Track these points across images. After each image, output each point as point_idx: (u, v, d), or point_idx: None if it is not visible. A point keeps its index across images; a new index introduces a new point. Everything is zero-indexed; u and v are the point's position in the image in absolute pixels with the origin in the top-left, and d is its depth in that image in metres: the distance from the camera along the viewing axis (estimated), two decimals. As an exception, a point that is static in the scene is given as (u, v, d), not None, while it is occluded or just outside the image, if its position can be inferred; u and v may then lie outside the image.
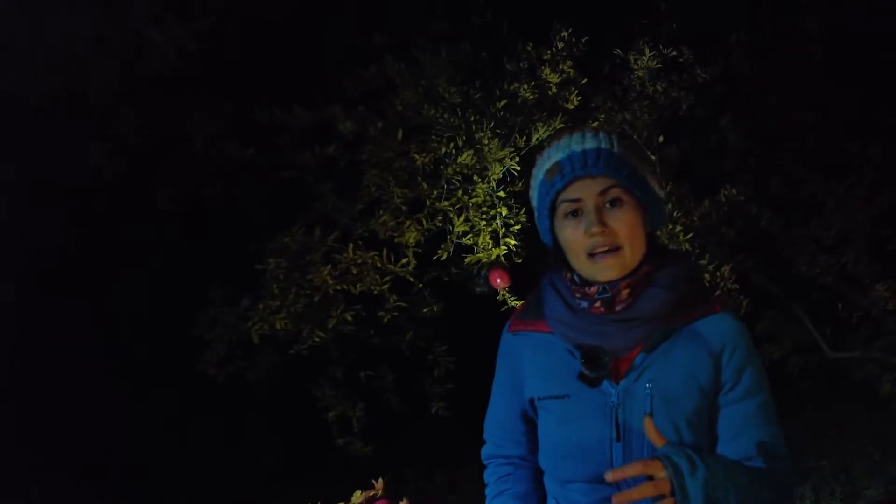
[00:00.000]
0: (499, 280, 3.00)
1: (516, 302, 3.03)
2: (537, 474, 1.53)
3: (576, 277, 1.38)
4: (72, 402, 3.96)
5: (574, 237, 1.33)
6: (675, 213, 3.27)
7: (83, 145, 2.99)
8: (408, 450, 4.43)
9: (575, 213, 1.33)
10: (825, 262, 3.87)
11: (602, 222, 1.30)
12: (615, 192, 1.31)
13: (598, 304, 1.33)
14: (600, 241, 1.31)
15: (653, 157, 1.43)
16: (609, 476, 1.20)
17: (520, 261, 3.25)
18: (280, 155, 2.95)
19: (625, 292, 1.33)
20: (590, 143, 1.33)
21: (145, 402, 4.23)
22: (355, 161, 3.01)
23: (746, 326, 1.40)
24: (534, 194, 1.42)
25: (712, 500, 1.20)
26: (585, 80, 3.41)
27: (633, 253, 1.33)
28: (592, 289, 1.34)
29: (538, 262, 3.57)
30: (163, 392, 4.19)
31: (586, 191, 1.31)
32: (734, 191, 3.28)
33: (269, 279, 2.88)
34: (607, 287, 1.33)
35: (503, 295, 3.08)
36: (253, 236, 3.15)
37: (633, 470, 1.20)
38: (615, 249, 1.31)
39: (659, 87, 3.62)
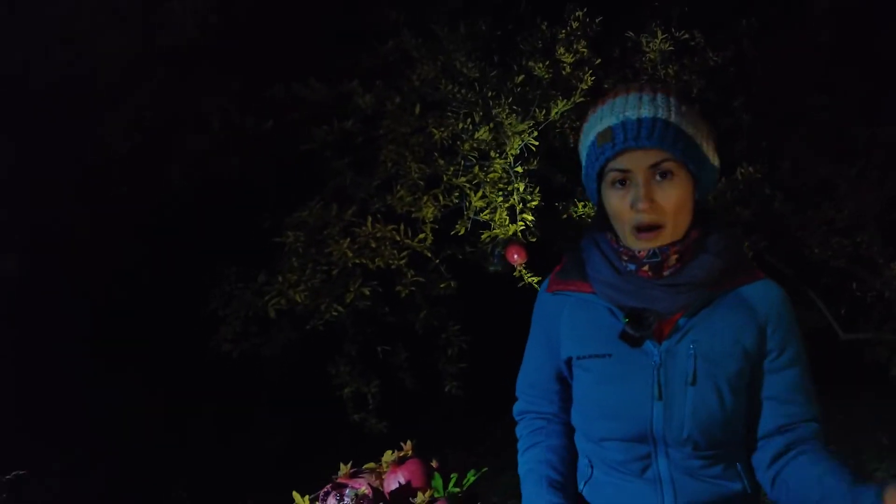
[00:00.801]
0: (516, 256, 2.99)
1: (533, 279, 3.02)
2: (569, 431, 1.52)
3: (623, 241, 1.36)
4: (78, 381, 3.95)
5: (620, 207, 1.30)
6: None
7: (97, 120, 2.98)
8: (420, 428, 4.43)
9: (623, 182, 1.30)
10: (838, 244, 3.87)
11: (650, 198, 1.27)
12: (667, 166, 1.27)
13: (646, 267, 1.32)
14: (646, 218, 1.28)
15: (709, 122, 1.38)
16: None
17: (534, 239, 3.26)
18: (296, 130, 2.94)
19: (674, 258, 1.31)
20: (646, 111, 1.27)
21: (157, 379, 4.23)
22: (372, 136, 3.00)
23: (788, 295, 1.40)
24: (582, 153, 1.39)
25: None
26: (599, 61, 3.41)
27: (675, 228, 1.31)
28: (642, 252, 1.32)
29: (554, 240, 3.58)
30: (175, 372, 4.18)
31: (637, 162, 1.27)
32: (751, 168, 3.27)
33: (287, 252, 2.87)
34: (657, 251, 1.31)
35: (520, 271, 3.07)
36: (267, 212, 3.14)
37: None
38: (660, 227, 1.29)
39: (670, 71, 3.62)
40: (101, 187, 3.25)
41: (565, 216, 3.34)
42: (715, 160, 1.36)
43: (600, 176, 1.34)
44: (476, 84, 2.98)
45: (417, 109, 2.91)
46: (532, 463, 1.48)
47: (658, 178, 1.28)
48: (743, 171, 3.33)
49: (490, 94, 2.98)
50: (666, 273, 1.32)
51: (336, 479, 1.57)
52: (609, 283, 1.36)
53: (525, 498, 1.46)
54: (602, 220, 1.40)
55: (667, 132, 1.26)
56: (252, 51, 3.02)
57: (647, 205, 1.27)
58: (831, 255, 3.90)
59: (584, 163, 1.39)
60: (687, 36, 3.58)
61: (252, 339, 3.27)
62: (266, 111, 2.98)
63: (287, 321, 3.18)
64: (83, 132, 3.05)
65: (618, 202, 1.31)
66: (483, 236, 3.06)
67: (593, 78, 3.32)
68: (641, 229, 1.30)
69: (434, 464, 1.64)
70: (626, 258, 1.34)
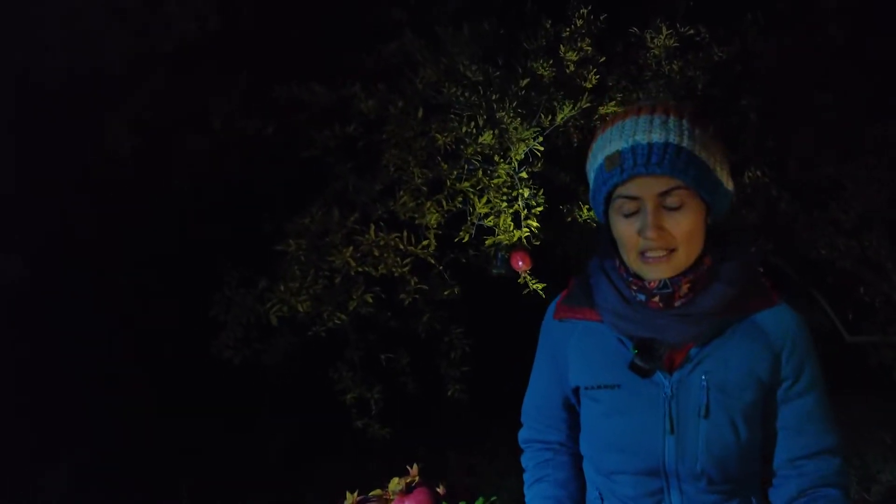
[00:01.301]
0: (521, 262, 2.95)
1: (537, 285, 2.98)
2: (576, 461, 1.49)
3: (630, 269, 1.32)
4: (83, 384, 3.93)
5: (628, 234, 1.26)
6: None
7: (99, 123, 2.93)
8: (424, 433, 4.42)
9: (631, 210, 1.25)
10: (844, 246, 3.83)
11: (659, 226, 1.22)
12: (678, 195, 1.22)
13: (656, 298, 1.27)
14: (654, 245, 1.23)
15: (722, 142, 1.31)
16: None
17: (538, 243, 3.21)
18: (298, 134, 2.89)
19: (685, 287, 1.26)
20: (657, 136, 1.21)
21: (160, 383, 4.21)
22: (375, 141, 2.95)
23: (805, 320, 1.35)
24: (590, 174, 1.34)
25: None
26: (603, 59, 3.35)
27: (688, 254, 1.26)
28: (652, 283, 1.27)
29: (558, 245, 3.53)
30: (177, 374, 4.16)
31: (646, 189, 1.22)
32: (759, 172, 3.22)
33: (289, 261, 2.83)
34: (668, 283, 1.26)
35: (524, 278, 3.03)
36: (269, 216, 3.10)
37: None
38: (669, 252, 1.24)
39: (675, 66, 3.57)
40: (102, 189, 3.21)
41: (570, 219, 3.30)
42: (729, 184, 1.30)
43: (608, 200, 1.29)
44: (479, 87, 2.93)
45: (420, 113, 2.86)
46: (539, 499, 1.45)
47: (668, 206, 1.23)
48: (751, 174, 3.28)
49: (494, 97, 2.92)
50: (677, 304, 1.27)
51: (342, 507, 1.53)
52: (617, 313, 1.31)
53: None
54: (609, 244, 1.35)
55: (678, 159, 1.20)
56: (253, 52, 2.97)
57: (656, 233, 1.22)
58: (838, 257, 3.86)
59: (591, 185, 1.33)
60: (692, 31, 3.52)
61: (253, 345, 3.23)
62: (268, 114, 2.93)
63: (288, 328, 3.14)
64: (84, 134, 3.01)
65: (625, 229, 1.26)
66: (487, 242, 3.01)
67: (597, 76, 3.26)
68: (649, 256, 1.25)
69: (441, 490, 1.60)
70: (635, 288, 1.30)
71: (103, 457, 3.93)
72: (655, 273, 1.26)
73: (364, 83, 2.87)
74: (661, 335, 1.27)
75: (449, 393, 3.48)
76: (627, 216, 1.26)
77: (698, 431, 1.28)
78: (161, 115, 2.89)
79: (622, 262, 1.32)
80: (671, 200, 1.22)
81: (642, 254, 1.26)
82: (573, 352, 1.40)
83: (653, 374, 1.30)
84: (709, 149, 1.25)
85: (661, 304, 1.28)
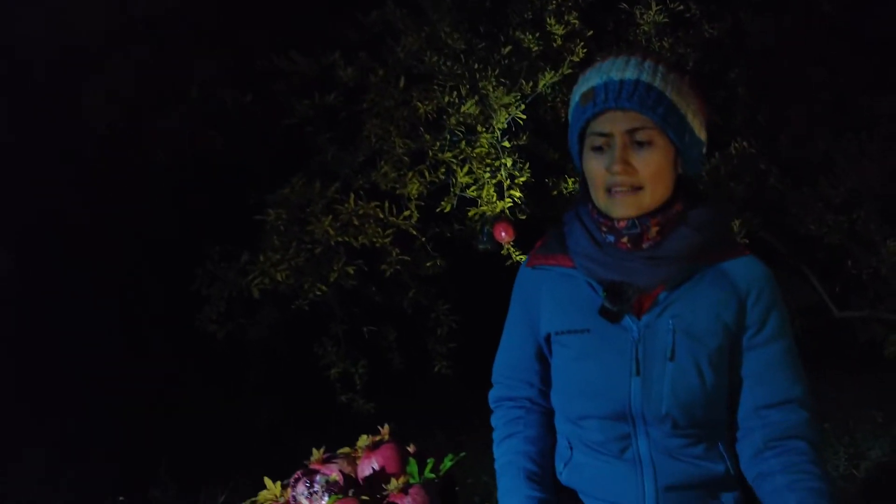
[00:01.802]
0: (503, 234, 2.93)
1: (521, 257, 2.96)
2: (548, 419, 1.49)
3: (600, 208, 1.33)
4: (70, 358, 3.91)
5: (596, 171, 1.29)
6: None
7: (74, 96, 2.89)
8: (410, 408, 4.40)
9: (602, 146, 1.28)
10: (833, 221, 3.81)
11: (625, 161, 1.25)
12: (645, 134, 1.25)
13: (625, 239, 1.29)
14: (620, 181, 1.26)
15: (701, 96, 1.35)
16: None
17: (524, 217, 3.19)
18: (279, 104, 2.86)
19: (654, 230, 1.29)
20: (630, 73, 1.26)
21: (145, 358, 4.19)
22: (356, 111, 2.92)
23: (772, 272, 1.36)
24: (570, 114, 1.37)
25: None
26: (591, 33, 3.32)
27: (653, 195, 1.28)
28: (621, 223, 1.29)
29: (545, 219, 3.50)
30: (162, 349, 4.15)
31: (616, 125, 1.26)
32: (745, 143, 3.19)
33: (269, 231, 2.81)
34: (637, 222, 1.28)
35: (507, 249, 3.01)
36: (252, 190, 3.07)
37: None
38: (635, 189, 1.27)
39: (665, 43, 3.53)
40: (81, 163, 3.17)
41: (555, 192, 3.27)
42: (701, 134, 1.32)
43: (582, 139, 1.32)
44: (462, 56, 2.89)
45: (402, 82, 2.83)
46: (510, 455, 1.44)
47: (636, 144, 1.26)
48: (737, 145, 3.25)
49: (477, 66, 2.89)
50: (645, 245, 1.29)
51: (308, 464, 1.52)
52: (588, 256, 1.33)
53: (502, 491, 1.42)
54: (586, 192, 1.37)
55: (647, 96, 1.24)
56: (232, 22, 2.93)
57: (622, 167, 1.25)
58: (827, 232, 3.83)
59: (570, 125, 1.36)
60: (682, 7, 3.48)
61: (238, 320, 3.21)
62: (247, 85, 2.90)
63: (272, 302, 3.12)
64: (60, 108, 2.97)
65: (594, 165, 1.29)
66: (470, 213, 2.99)
67: (585, 50, 3.22)
68: (615, 191, 1.27)
69: (411, 448, 1.58)
70: (605, 229, 1.31)
71: (84, 431, 3.92)
72: (621, 209, 1.28)
73: (345, 52, 2.83)
74: (631, 278, 1.29)
75: (435, 369, 3.47)
76: (597, 152, 1.29)
77: (664, 374, 1.28)
78: (138, 87, 2.85)
79: (594, 205, 1.34)
80: (639, 136, 1.26)
81: (609, 190, 1.28)
82: (545, 298, 1.41)
83: (622, 318, 1.31)
84: (681, 94, 1.28)
85: (629, 245, 1.29)
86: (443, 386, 3.73)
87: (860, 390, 4.89)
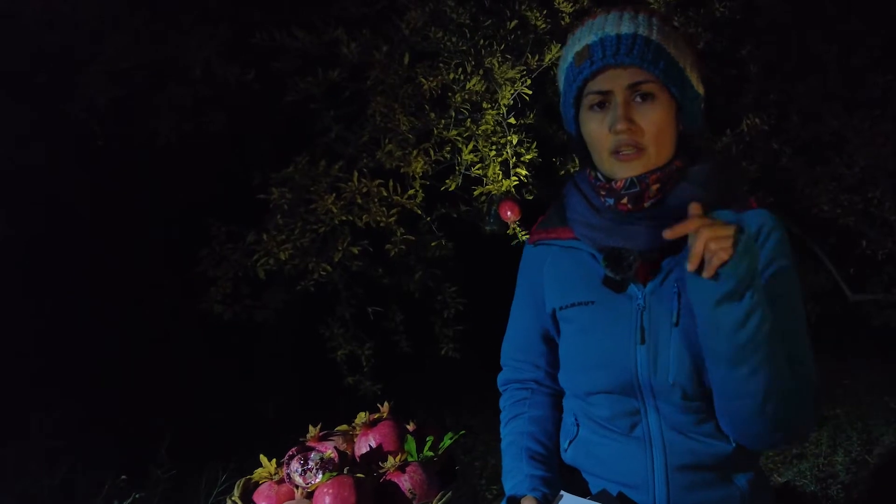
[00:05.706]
0: (509, 213, 2.88)
1: (527, 237, 2.91)
2: (555, 400, 1.47)
3: (600, 175, 1.29)
4: (71, 337, 3.91)
5: (598, 132, 1.24)
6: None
7: (73, 73, 2.86)
8: (417, 391, 4.40)
9: (601, 105, 1.23)
10: (848, 202, 3.74)
11: (629, 118, 1.20)
12: (647, 87, 1.20)
13: (625, 199, 1.24)
14: (625, 140, 1.21)
15: (696, 48, 1.29)
16: (667, 233, 1.07)
17: (531, 197, 3.14)
18: (282, 81, 2.81)
19: (654, 187, 1.23)
20: (626, 28, 1.20)
21: (148, 338, 4.18)
22: (360, 90, 2.88)
23: (784, 224, 1.28)
24: (560, 77, 1.31)
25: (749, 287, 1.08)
26: (600, 11, 3.25)
27: (658, 153, 1.23)
28: (619, 183, 1.24)
29: (552, 198, 3.45)
30: (168, 329, 4.14)
31: (616, 82, 1.20)
32: (757, 120, 3.12)
33: (273, 210, 2.77)
34: (636, 181, 1.23)
35: (514, 229, 2.97)
36: (258, 170, 3.04)
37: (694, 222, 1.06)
38: (639, 150, 1.22)
39: (676, 23, 3.46)
40: (82, 142, 3.15)
41: (563, 172, 3.22)
42: (699, 88, 1.27)
43: (578, 101, 1.26)
44: (467, 32, 2.84)
45: (406, 59, 2.77)
46: (514, 435, 1.42)
47: (638, 99, 1.21)
48: (749, 121, 3.18)
49: (482, 42, 2.84)
50: (646, 204, 1.24)
51: (304, 441, 1.49)
52: (587, 223, 1.28)
53: (505, 470, 1.39)
54: (584, 160, 1.33)
55: (647, 49, 1.19)
56: (234, -1, 2.89)
57: (626, 125, 1.20)
58: (840, 213, 3.77)
59: (561, 88, 1.30)
60: (692, -14, 3.41)
61: (244, 302, 3.19)
62: (250, 61, 2.86)
63: (278, 283, 3.10)
64: (60, 86, 2.94)
65: (596, 126, 1.24)
66: (475, 192, 2.94)
67: (594, 28, 3.16)
68: (620, 153, 1.22)
69: (410, 426, 1.55)
70: (604, 192, 1.27)
71: (86, 410, 3.92)
72: (627, 171, 1.23)
73: (348, 28, 2.78)
74: (632, 242, 1.23)
75: (442, 352, 3.45)
76: (596, 112, 1.23)
77: (669, 341, 1.23)
78: (140, 64, 2.81)
79: (593, 169, 1.30)
80: (641, 93, 1.21)
81: (616, 152, 1.23)
82: (548, 273, 1.38)
83: (626, 287, 1.26)
84: (679, 47, 1.23)
85: (629, 206, 1.25)
86: (451, 368, 3.71)
87: (874, 376, 4.83)
